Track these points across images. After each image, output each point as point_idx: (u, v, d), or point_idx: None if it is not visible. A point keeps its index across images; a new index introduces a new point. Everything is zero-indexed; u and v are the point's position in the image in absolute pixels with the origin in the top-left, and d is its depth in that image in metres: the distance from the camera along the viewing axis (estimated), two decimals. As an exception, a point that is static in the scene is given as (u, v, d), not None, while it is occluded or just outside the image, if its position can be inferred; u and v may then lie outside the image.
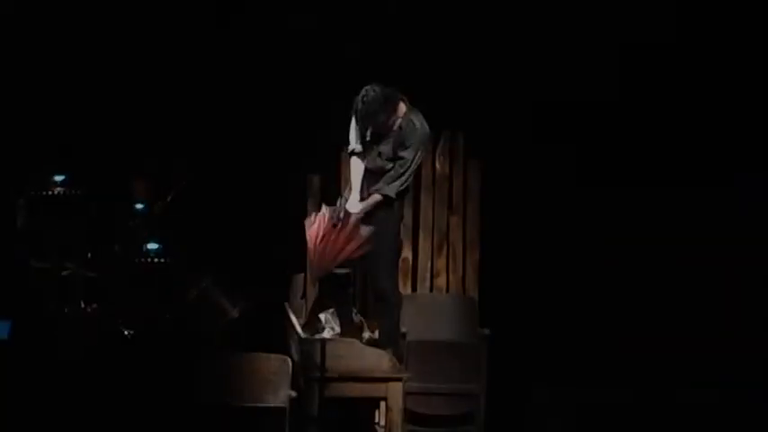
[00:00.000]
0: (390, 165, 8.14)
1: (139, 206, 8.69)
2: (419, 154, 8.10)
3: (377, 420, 8.36)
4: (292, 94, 8.95)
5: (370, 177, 8.17)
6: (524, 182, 9.23)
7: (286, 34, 9.06)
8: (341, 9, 8.84)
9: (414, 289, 8.96)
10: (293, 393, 7.86)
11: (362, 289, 8.72)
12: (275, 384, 7.83)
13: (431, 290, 8.97)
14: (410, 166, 8.09)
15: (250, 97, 9.14)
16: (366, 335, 8.35)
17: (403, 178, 8.10)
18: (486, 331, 8.70)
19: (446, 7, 9.08)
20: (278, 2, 9.10)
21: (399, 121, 8.13)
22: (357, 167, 8.21)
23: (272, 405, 7.81)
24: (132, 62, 9.17)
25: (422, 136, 8.10)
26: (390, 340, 8.17)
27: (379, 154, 8.13)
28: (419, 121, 8.11)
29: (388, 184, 8.06)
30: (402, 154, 8.08)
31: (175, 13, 9.16)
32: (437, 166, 9.01)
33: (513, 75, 9.21)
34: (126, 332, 8.17)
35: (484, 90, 9.13)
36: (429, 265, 8.99)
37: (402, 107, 8.11)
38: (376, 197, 8.07)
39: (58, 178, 8.27)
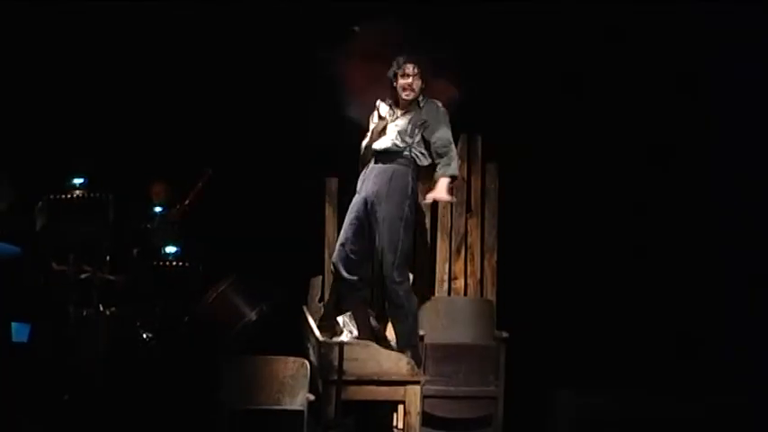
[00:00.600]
0: (403, 144, 8.20)
1: (158, 209, 8.71)
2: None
3: (395, 423, 8.36)
4: (311, 97, 8.94)
5: (382, 164, 8.24)
6: (542, 184, 9.22)
7: (306, 38, 9.07)
8: (362, 12, 8.82)
9: (432, 292, 8.95)
10: (311, 396, 7.87)
11: (379, 292, 8.74)
12: (293, 387, 7.84)
13: (449, 293, 8.96)
14: (451, 145, 8.24)
15: (269, 100, 9.15)
16: (383, 338, 8.37)
17: (455, 158, 8.26)
18: (504, 334, 8.68)
19: (464, 12, 9.08)
20: (302, 7, 9.13)
21: (420, 99, 8.24)
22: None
23: (290, 408, 7.83)
24: (151, 66, 9.20)
25: (445, 115, 8.26)
26: (408, 343, 8.18)
27: (396, 129, 8.20)
28: (440, 103, 8.28)
29: (447, 165, 8.18)
30: (438, 135, 8.19)
31: (195, 16, 9.18)
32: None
33: (531, 77, 9.20)
34: (144, 335, 8.19)
35: (502, 93, 9.13)
36: (447, 268, 8.98)
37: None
38: (446, 180, 8.18)
39: (78, 181, 8.29)
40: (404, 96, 8.27)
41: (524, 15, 9.18)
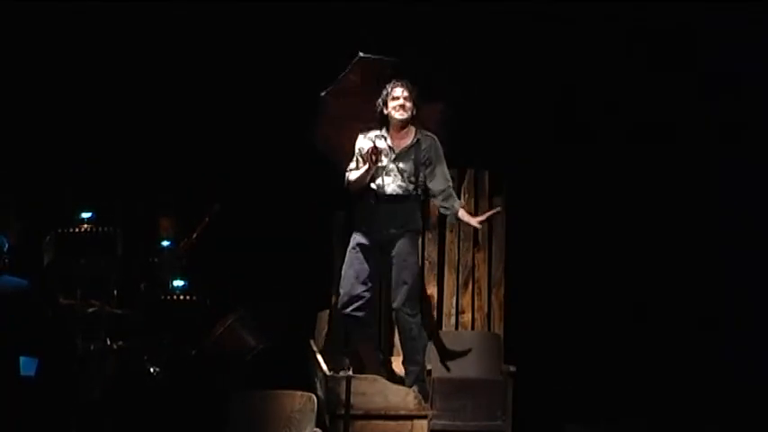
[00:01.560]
0: (412, 186, 8.22)
1: (165, 243, 8.71)
2: None
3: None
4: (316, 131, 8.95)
5: (390, 206, 8.23)
6: (549, 218, 9.23)
7: (312, 70, 9.10)
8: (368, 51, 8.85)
9: (439, 326, 8.95)
10: (318, 431, 7.85)
11: (387, 328, 8.75)
12: (300, 421, 7.82)
13: (456, 327, 8.96)
14: (449, 182, 8.37)
15: (276, 135, 9.17)
16: (390, 372, 8.36)
17: (452, 191, 8.41)
18: (512, 368, 8.68)
19: (471, 47, 9.12)
20: (308, 43, 9.16)
21: (413, 134, 8.26)
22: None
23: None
24: (160, 101, 9.23)
25: (442, 150, 8.33)
26: (416, 378, 8.18)
27: (400, 172, 8.20)
28: (435, 138, 8.33)
29: (452, 197, 8.35)
30: (437, 173, 8.29)
31: (202, 50, 9.22)
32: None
33: (538, 114, 9.23)
34: (152, 369, 8.18)
35: (509, 128, 9.15)
36: (454, 301, 8.98)
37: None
38: (464, 212, 8.39)
39: (85, 216, 8.30)
40: (397, 117, 8.27)
41: (533, 50, 9.22)
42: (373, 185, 8.30)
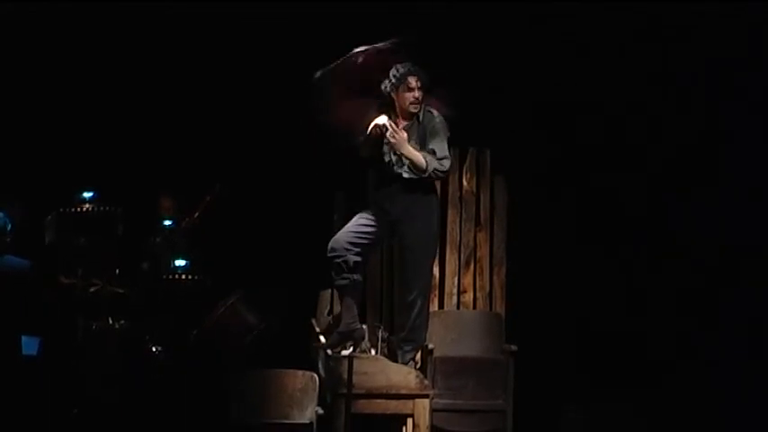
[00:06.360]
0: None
1: (167, 223, 8.72)
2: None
3: (404, 437, 8.36)
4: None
5: (401, 184, 8.19)
6: (551, 198, 9.23)
7: (314, 55, 9.09)
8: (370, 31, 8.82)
9: (441, 305, 8.95)
10: (320, 410, 7.88)
11: (388, 305, 8.76)
12: (302, 401, 7.86)
13: (458, 306, 8.96)
14: (436, 157, 8.15)
15: (278, 114, 9.17)
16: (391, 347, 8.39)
17: (432, 160, 8.13)
18: (513, 347, 8.68)
19: (471, 27, 9.10)
20: (307, 23, 9.14)
21: (419, 112, 8.21)
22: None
23: (299, 422, 7.84)
24: (161, 80, 9.23)
25: (442, 124, 8.20)
26: (410, 358, 8.20)
27: (401, 154, 8.17)
28: (436, 112, 8.22)
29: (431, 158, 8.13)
30: (432, 146, 8.14)
31: (204, 34, 9.22)
32: (464, 182, 9.00)
33: (540, 92, 9.22)
34: (153, 348, 8.20)
35: (510, 107, 9.14)
36: (456, 281, 8.98)
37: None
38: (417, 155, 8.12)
39: (87, 195, 8.30)
40: (411, 110, 8.20)
41: (532, 29, 9.20)
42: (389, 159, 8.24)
